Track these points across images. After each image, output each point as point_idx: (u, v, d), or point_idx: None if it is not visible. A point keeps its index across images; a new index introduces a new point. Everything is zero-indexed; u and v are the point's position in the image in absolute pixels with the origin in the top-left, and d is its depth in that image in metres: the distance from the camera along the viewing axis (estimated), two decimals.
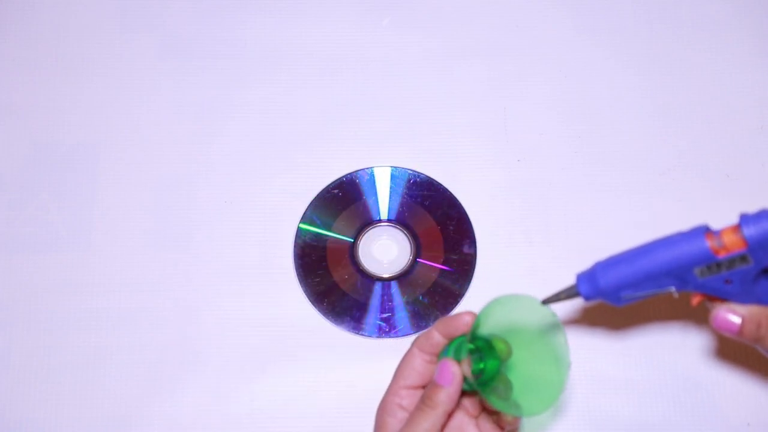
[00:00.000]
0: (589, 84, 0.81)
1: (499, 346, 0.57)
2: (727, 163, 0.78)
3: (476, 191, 0.77)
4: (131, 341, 0.72)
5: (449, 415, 0.57)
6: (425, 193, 0.77)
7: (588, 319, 0.73)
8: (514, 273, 0.75)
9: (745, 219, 0.49)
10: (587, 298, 0.53)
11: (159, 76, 0.81)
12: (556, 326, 0.56)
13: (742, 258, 0.49)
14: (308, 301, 0.73)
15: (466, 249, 0.75)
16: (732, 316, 0.53)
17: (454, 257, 0.75)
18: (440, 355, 0.60)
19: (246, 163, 0.78)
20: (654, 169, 0.78)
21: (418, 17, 0.83)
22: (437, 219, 0.76)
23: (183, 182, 0.77)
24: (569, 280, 0.73)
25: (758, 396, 0.70)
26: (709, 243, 0.50)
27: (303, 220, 0.76)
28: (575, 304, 0.73)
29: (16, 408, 0.71)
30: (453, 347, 0.58)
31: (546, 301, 0.55)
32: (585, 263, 0.73)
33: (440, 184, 0.77)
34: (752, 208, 0.75)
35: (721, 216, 0.75)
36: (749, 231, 0.49)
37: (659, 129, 0.79)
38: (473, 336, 0.59)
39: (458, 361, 0.57)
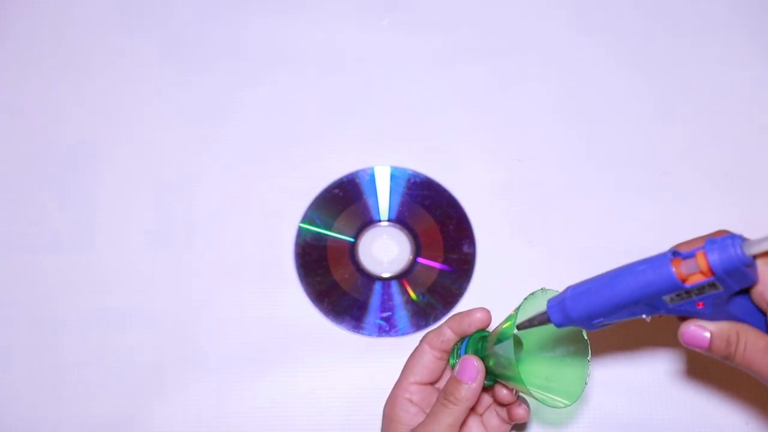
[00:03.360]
0: (589, 84, 0.81)
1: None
2: (727, 163, 0.78)
3: (476, 191, 0.77)
4: (131, 341, 0.72)
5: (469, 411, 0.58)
6: (425, 193, 0.77)
7: None
8: (514, 273, 0.75)
9: (710, 245, 0.46)
10: (559, 325, 0.52)
11: (159, 76, 0.81)
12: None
13: (711, 285, 0.47)
14: (308, 300, 0.74)
15: (465, 249, 0.75)
16: (700, 332, 0.50)
17: (454, 257, 0.75)
18: (453, 351, 0.60)
19: (247, 162, 0.78)
20: (654, 169, 0.78)
21: (418, 17, 0.83)
22: (437, 219, 0.76)
23: (184, 182, 0.77)
24: (568, 280, 0.73)
25: (757, 396, 0.70)
26: (676, 271, 0.47)
27: (303, 219, 0.76)
28: None
29: (16, 407, 0.71)
30: (471, 344, 0.59)
31: (521, 327, 0.54)
32: (585, 263, 0.74)
33: (440, 184, 0.77)
34: (751, 207, 0.76)
35: (721, 216, 0.76)
36: (713, 258, 0.46)
37: (659, 129, 0.79)
38: (481, 333, 0.59)
39: (482, 357, 0.57)
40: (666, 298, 0.48)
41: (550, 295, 0.56)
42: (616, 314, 0.50)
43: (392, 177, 0.77)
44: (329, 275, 0.74)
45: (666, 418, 0.70)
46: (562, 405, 0.56)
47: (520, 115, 0.80)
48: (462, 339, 0.60)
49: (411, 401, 0.60)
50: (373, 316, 0.73)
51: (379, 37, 0.82)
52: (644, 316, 0.50)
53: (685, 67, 0.81)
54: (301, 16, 0.83)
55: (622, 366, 0.71)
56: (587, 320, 0.50)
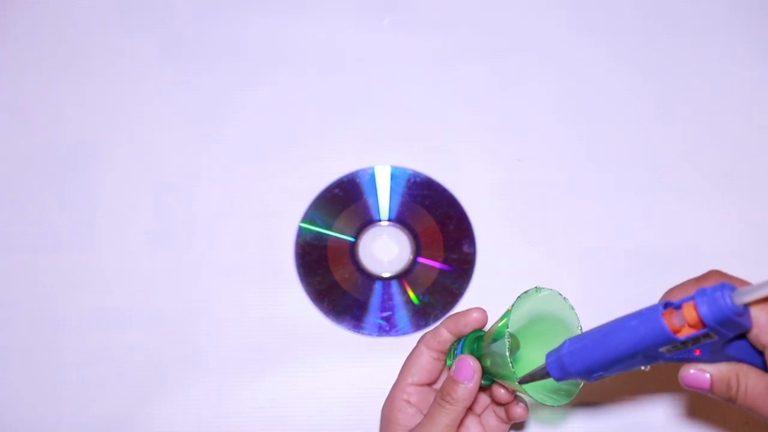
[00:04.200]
0: (589, 84, 0.81)
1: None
2: (727, 163, 0.78)
3: (476, 191, 0.77)
4: (132, 341, 0.72)
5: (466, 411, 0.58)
6: (425, 192, 0.77)
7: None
8: (514, 273, 0.75)
9: (700, 297, 0.46)
10: (559, 380, 0.53)
11: (159, 76, 0.81)
12: (572, 316, 0.57)
13: (706, 335, 0.46)
14: (309, 300, 0.74)
15: (465, 248, 0.75)
16: (701, 375, 0.50)
17: (454, 256, 0.75)
18: (450, 351, 0.60)
19: (247, 162, 0.78)
20: (654, 169, 0.78)
21: (418, 17, 0.83)
22: (437, 218, 0.76)
23: (184, 182, 0.77)
24: (568, 280, 0.73)
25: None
26: (668, 323, 0.47)
27: (304, 219, 0.76)
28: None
29: (16, 407, 0.71)
30: (467, 344, 0.59)
31: (522, 381, 0.55)
32: (585, 263, 0.74)
33: (440, 184, 0.77)
34: (751, 207, 0.76)
35: (721, 216, 0.76)
36: (704, 311, 0.45)
37: (659, 129, 0.79)
38: (477, 333, 0.59)
39: (478, 357, 0.57)
40: (662, 349, 0.48)
41: (544, 294, 0.56)
42: (613, 368, 0.50)
43: (392, 177, 0.77)
44: (329, 275, 0.74)
45: (665, 417, 0.70)
46: (559, 403, 0.56)
47: (520, 115, 0.80)
48: (459, 339, 0.60)
49: (409, 402, 0.60)
50: (373, 316, 0.73)
51: (379, 37, 0.82)
52: (642, 367, 0.50)
53: (685, 67, 0.81)
54: (301, 16, 0.83)
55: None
56: (586, 374, 0.51)
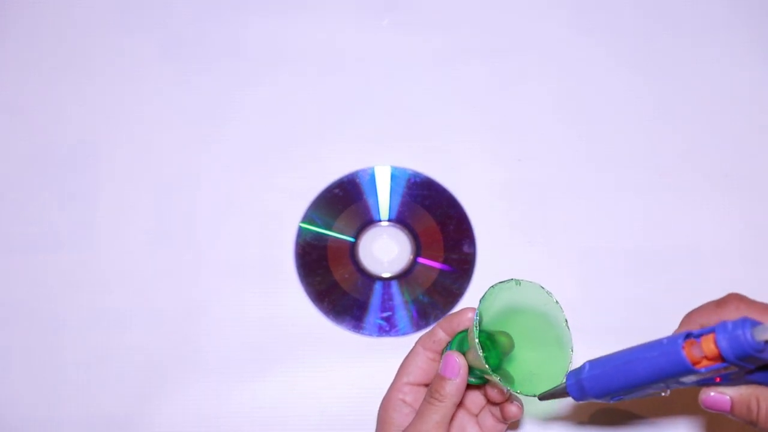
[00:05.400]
0: (589, 84, 0.81)
1: (501, 339, 0.58)
2: (727, 163, 0.78)
3: (476, 191, 0.77)
4: (132, 341, 0.72)
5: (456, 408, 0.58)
6: (425, 193, 0.77)
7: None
8: (514, 273, 0.74)
9: (721, 332, 0.46)
10: (578, 400, 0.53)
11: (159, 76, 0.81)
12: (556, 310, 0.56)
13: (726, 368, 0.46)
14: (309, 300, 0.74)
15: (465, 248, 0.75)
16: (721, 397, 0.50)
17: (454, 257, 0.75)
18: (443, 351, 0.60)
19: (247, 162, 0.78)
20: (654, 169, 0.78)
21: (418, 17, 0.83)
22: (437, 219, 0.76)
23: (184, 182, 0.77)
24: (568, 280, 0.73)
25: None
26: (689, 355, 0.47)
27: (304, 219, 0.76)
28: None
29: (16, 407, 0.71)
30: (456, 342, 0.59)
31: (542, 398, 0.55)
32: (585, 263, 0.74)
33: (440, 184, 0.77)
34: (751, 207, 0.76)
35: (721, 216, 0.76)
36: (724, 346, 0.45)
37: (659, 129, 0.79)
38: (466, 332, 0.60)
39: (464, 354, 0.57)
40: (683, 379, 0.48)
41: (525, 288, 0.56)
42: (633, 393, 0.51)
43: (392, 177, 0.77)
44: (329, 275, 0.74)
45: (666, 415, 0.70)
46: (530, 393, 0.56)
47: (520, 115, 0.80)
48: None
49: (404, 401, 0.60)
50: (373, 316, 0.73)
51: (379, 37, 0.82)
52: (663, 394, 0.51)
53: (685, 67, 0.81)
54: (301, 16, 0.83)
55: None
56: (606, 397, 0.52)
